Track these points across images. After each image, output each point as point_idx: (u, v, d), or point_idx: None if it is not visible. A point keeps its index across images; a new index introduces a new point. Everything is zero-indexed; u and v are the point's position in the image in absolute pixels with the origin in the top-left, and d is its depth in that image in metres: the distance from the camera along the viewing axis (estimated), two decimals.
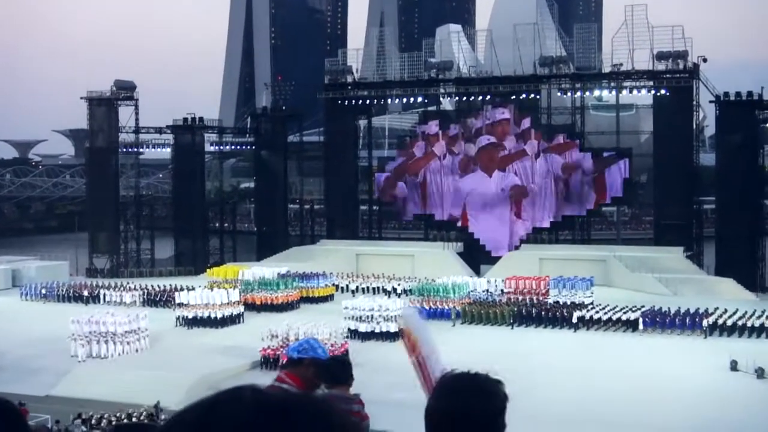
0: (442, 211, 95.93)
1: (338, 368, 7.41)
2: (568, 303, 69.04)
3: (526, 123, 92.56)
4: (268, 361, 52.68)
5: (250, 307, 72.78)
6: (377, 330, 61.18)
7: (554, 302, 69.41)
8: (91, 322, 57.53)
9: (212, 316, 66.79)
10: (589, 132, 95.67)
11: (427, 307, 68.19)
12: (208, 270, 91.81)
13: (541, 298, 71.14)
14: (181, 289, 74.12)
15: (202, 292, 69.76)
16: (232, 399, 2.88)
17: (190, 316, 67.00)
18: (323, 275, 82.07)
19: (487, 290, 74.31)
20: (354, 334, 61.46)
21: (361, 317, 62.07)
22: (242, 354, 55.01)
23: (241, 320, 68.04)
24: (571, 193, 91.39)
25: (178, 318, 67.56)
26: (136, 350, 57.79)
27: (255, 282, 78.05)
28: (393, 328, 60.48)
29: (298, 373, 7.07)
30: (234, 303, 69.02)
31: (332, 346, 51.66)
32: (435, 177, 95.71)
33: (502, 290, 74.41)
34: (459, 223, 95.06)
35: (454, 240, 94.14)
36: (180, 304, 68.94)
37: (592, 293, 72.09)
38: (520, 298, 71.30)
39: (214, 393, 2.93)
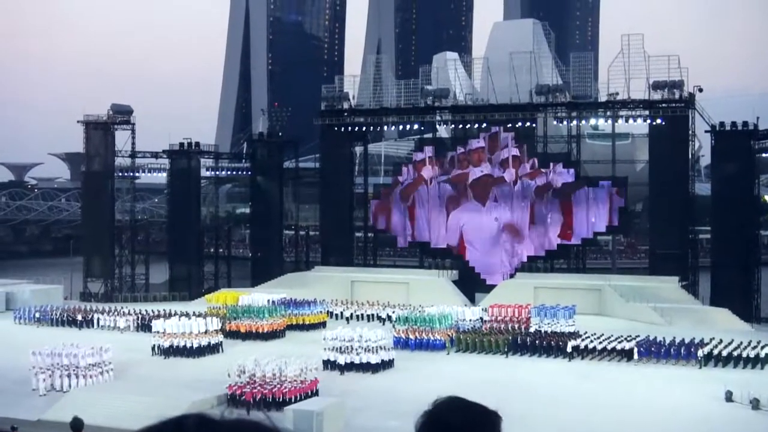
0: (429, 237, 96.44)
1: None
2: (550, 332, 68.80)
3: (505, 153, 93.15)
4: (234, 398, 49.69)
5: (235, 335, 71.72)
6: (357, 361, 59.23)
7: (550, 331, 69.15)
8: (53, 354, 55.03)
9: (189, 345, 64.90)
10: (585, 161, 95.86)
11: (413, 338, 67.56)
12: (207, 296, 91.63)
13: (522, 327, 71.00)
14: (169, 315, 73.00)
15: (179, 321, 67.94)
16: (175, 428, 2.86)
17: (166, 345, 64.99)
18: (314, 302, 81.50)
19: (481, 318, 74.14)
20: (333, 365, 59.43)
21: (341, 348, 60.10)
22: (211, 388, 51.75)
23: (220, 350, 66.12)
24: (536, 219, 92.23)
25: (153, 347, 65.58)
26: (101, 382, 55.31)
27: (241, 309, 77.21)
28: (374, 359, 59.59)
29: None
30: (212, 332, 67.04)
31: (302, 383, 50.36)
32: (423, 203, 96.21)
33: (482, 318, 74.33)
34: (455, 251, 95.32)
35: (449, 268, 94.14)
36: (156, 333, 66.94)
37: (574, 322, 71.93)
38: (503, 326, 71.01)
39: (156, 422, 2.89)
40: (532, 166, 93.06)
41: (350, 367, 59.27)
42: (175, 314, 73.50)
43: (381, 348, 60.60)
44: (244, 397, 49.18)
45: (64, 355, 55.08)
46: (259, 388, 49.67)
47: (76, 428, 27.43)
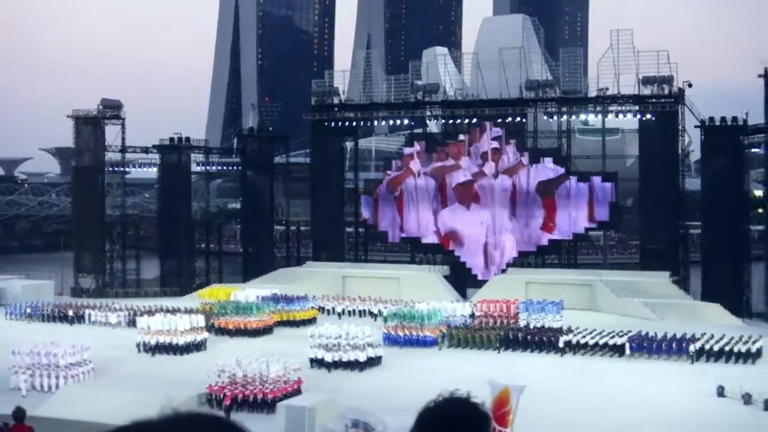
0: (418, 232, 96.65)
1: None
2: (538, 326, 68.91)
3: (485, 146, 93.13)
4: (214, 399, 48.76)
5: (223, 332, 71.22)
6: (344, 359, 58.66)
7: (540, 326, 69.17)
8: (33, 353, 54.15)
9: (174, 342, 64.29)
10: (575, 156, 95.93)
11: (403, 335, 67.12)
12: (199, 292, 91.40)
13: (511, 322, 71.08)
14: (156, 312, 72.87)
15: (164, 318, 67.26)
16: None
17: (152, 342, 64.56)
18: (304, 298, 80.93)
19: (472, 314, 74.06)
20: (320, 363, 58.81)
21: (327, 345, 59.36)
22: (196, 386, 50.12)
23: (204, 347, 65.58)
24: (518, 213, 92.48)
25: (138, 344, 65.11)
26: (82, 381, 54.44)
27: (229, 306, 76.82)
28: (361, 357, 59.13)
29: None
30: (198, 329, 66.42)
31: (285, 383, 49.66)
32: (411, 196, 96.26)
33: (473, 313, 74.33)
34: (444, 248, 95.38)
35: (441, 263, 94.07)
36: (141, 330, 66.34)
37: (561, 317, 72.06)
38: (491, 321, 71.07)
39: None
40: (514, 159, 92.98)
41: (337, 364, 58.77)
42: (160, 311, 73.28)
43: (368, 345, 60.17)
44: (224, 398, 48.25)
45: (43, 354, 54.28)
46: (240, 388, 48.83)
47: (18, 418, 27.58)
